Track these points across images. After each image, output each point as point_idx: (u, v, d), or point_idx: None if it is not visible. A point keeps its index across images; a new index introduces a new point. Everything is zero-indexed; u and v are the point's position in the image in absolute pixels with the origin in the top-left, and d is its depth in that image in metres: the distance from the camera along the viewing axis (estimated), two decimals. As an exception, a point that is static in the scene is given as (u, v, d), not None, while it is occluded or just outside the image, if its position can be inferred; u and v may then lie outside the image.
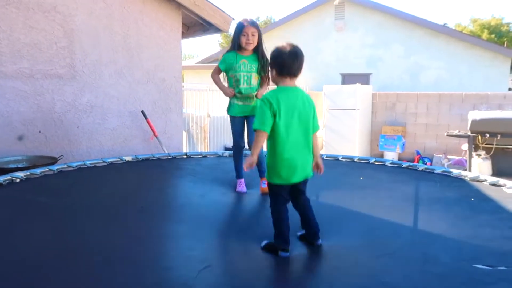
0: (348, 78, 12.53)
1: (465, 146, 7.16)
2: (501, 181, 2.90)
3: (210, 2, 5.16)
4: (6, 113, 4.07)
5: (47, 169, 3.24)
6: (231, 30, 4.15)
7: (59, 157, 4.10)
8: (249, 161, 1.99)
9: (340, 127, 8.55)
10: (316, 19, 13.19)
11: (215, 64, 10.21)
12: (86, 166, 3.51)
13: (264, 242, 2.05)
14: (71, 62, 4.44)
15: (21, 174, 3.03)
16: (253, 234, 2.19)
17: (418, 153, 8.39)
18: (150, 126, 4.99)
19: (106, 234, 2.11)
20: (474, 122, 6.75)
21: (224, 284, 1.67)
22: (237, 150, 3.24)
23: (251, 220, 2.55)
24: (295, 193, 2.09)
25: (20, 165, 3.86)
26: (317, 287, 1.64)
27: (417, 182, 3.23)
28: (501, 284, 1.54)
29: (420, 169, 3.56)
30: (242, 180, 3.19)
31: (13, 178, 2.95)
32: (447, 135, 7.27)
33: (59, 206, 2.53)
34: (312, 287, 1.67)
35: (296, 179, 2.03)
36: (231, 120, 3.24)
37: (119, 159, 3.82)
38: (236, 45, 3.12)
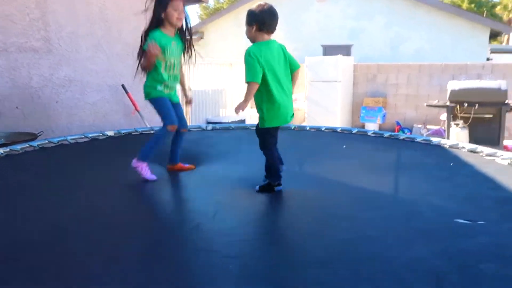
0: (329, 50, 12.48)
1: (443, 116, 7.31)
2: (479, 148, 2.99)
3: (189, -29, 5.00)
4: (-20, 89, 3.93)
5: (27, 145, 3.17)
6: (212, 2, 4.04)
7: (38, 133, 4.00)
8: (243, 106, 2.31)
9: (322, 99, 8.59)
10: (297, -11, 12.96)
11: (195, 37, 10.12)
12: (68, 142, 3.44)
13: (257, 186, 2.41)
14: (45, 35, 4.28)
15: (0, 150, 2.96)
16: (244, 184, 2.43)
17: (398, 123, 8.54)
18: (131, 100, 4.90)
19: (97, 207, 2.11)
20: (453, 92, 6.86)
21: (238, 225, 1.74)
22: (169, 134, 2.73)
23: (241, 176, 2.67)
24: None
25: (-2, 142, 3.76)
26: (305, 241, 1.71)
27: (398, 150, 3.31)
28: (481, 236, 1.64)
29: (401, 138, 3.64)
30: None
31: (-8, 155, 2.88)
32: (427, 106, 7.40)
33: (44, 183, 2.49)
34: (301, 240, 1.73)
35: (289, 118, 2.41)
36: (159, 101, 2.69)
37: (101, 134, 3.76)
38: (161, 21, 2.61)
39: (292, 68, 2.45)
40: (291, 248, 1.68)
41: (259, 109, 2.40)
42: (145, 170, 2.62)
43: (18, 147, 3.11)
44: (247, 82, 2.29)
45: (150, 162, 2.67)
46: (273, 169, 2.39)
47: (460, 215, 1.83)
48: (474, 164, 2.68)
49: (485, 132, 7.02)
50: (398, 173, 2.70)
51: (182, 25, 2.73)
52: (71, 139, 3.52)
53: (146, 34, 2.64)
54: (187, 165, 2.96)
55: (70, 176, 2.65)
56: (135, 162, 2.62)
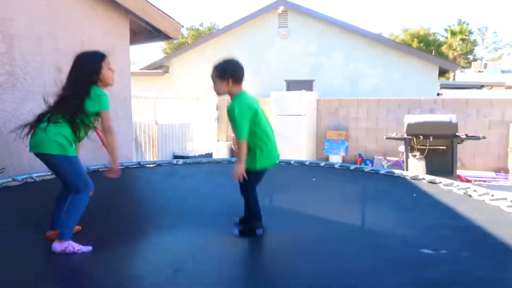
0: (292, 85, 12.92)
1: (402, 148, 7.70)
2: (437, 179, 3.20)
3: (158, 9, 5.14)
4: None
5: (-10, 183, 3.04)
6: (180, 38, 4.15)
7: (0, 170, 3.86)
8: (240, 170, 2.31)
9: (288, 132, 8.81)
10: (260, 26, 13.47)
11: (160, 71, 10.19)
12: (33, 180, 3.34)
13: (235, 231, 2.42)
14: (11, 70, 4.20)
15: (-40, 189, 2.82)
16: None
17: (360, 155, 8.87)
18: (98, 135, 4.82)
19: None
20: (409, 125, 7.28)
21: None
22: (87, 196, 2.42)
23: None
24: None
25: (-45, 180, 3.57)
26: (282, 275, 1.75)
27: (364, 182, 3.46)
28: (443, 265, 1.76)
29: (366, 170, 3.82)
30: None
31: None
32: (386, 138, 7.78)
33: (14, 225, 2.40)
34: (278, 274, 1.78)
35: (277, 159, 2.54)
36: (76, 161, 2.46)
37: (68, 171, 3.66)
38: (97, 81, 2.47)
39: None
40: (271, 281, 1.72)
41: (251, 152, 2.41)
42: (75, 246, 2.23)
43: (-20, 185, 2.98)
44: (239, 139, 2.32)
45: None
46: (257, 213, 2.42)
47: (424, 245, 1.95)
48: (433, 194, 2.87)
49: (440, 163, 7.44)
50: (365, 205, 2.83)
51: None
52: (36, 176, 3.41)
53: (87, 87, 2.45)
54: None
55: (37, 214, 2.57)
56: (58, 246, 2.21)
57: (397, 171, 3.58)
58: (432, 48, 27.15)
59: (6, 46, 4.16)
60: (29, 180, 3.33)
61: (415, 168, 7.37)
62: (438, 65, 12.25)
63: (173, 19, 5.28)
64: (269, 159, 2.45)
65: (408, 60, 12.17)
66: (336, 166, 4.02)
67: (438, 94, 13.29)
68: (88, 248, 2.23)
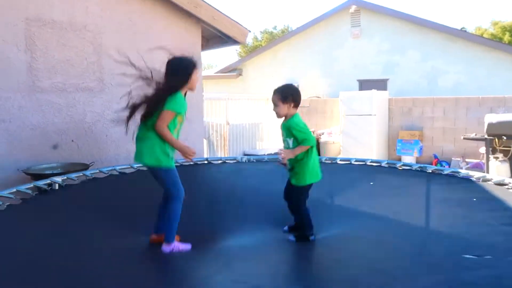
0: (365, 84, 12.63)
1: (483, 149, 7.19)
2: (506, 180, 3.03)
3: (228, 17, 5.46)
4: (43, 124, 4.44)
5: (82, 174, 3.55)
6: (248, 41, 4.38)
7: (90, 163, 4.43)
8: (289, 156, 2.58)
9: (357, 132, 8.69)
10: (332, 26, 13.38)
11: (234, 74, 10.63)
12: (116, 172, 3.81)
13: (291, 237, 2.62)
14: (100, 76, 4.79)
15: (59, 179, 3.34)
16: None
17: (435, 156, 8.43)
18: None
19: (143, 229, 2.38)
20: (490, 125, 6.78)
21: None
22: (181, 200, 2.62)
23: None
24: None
25: (55, 171, 4.19)
26: (319, 274, 1.86)
27: (427, 182, 3.38)
28: (484, 270, 1.72)
29: (429, 170, 3.70)
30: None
31: (53, 182, 3.27)
32: (464, 138, 7.32)
33: (100, 208, 2.81)
34: (315, 271, 1.89)
35: (320, 177, 2.73)
36: (172, 171, 2.64)
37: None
38: (184, 86, 2.67)
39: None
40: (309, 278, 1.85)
41: (303, 168, 2.64)
42: (178, 246, 2.52)
43: (74, 175, 3.49)
44: (310, 145, 2.61)
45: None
46: (309, 223, 2.61)
47: (470, 250, 1.91)
48: (498, 196, 2.73)
49: (527, 166, 6.81)
50: (422, 207, 2.78)
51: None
52: (119, 169, 3.88)
53: (167, 94, 2.62)
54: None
55: (118, 200, 2.96)
56: (167, 248, 2.48)
57: (462, 171, 3.44)
58: (528, 40, 24.53)
59: (97, 56, 4.76)
60: (113, 172, 3.79)
61: (498, 171, 6.83)
62: (530, 60, 11.13)
63: (241, 25, 5.57)
64: (317, 175, 2.69)
65: (495, 55, 11.22)
66: (398, 165, 3.95)
67: (530, 91, 12.07)
68: (188, 246, 2.52)
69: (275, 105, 2.70)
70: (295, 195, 2.69)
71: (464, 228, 2.31)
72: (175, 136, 2.61)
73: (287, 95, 2.67)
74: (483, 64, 11.36)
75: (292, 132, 2.63)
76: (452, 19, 55.70)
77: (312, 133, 2.74)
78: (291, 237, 2.59)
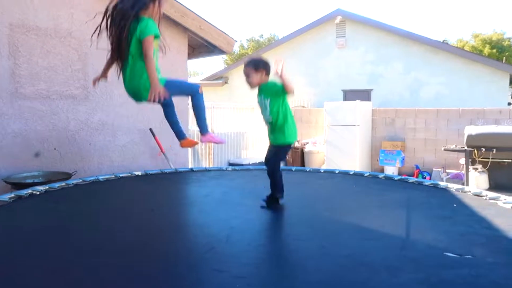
0: (349, 94, 12.83)
1: (463, 160, 7.36)
2: (484, 192, 3.12)
3: (214, 26, 5.49)
4: (24, 132, 4.37)
5: (64, 183, 3.50)
6: (235, 49, 4.42)
7: (72, 172, 4.38)
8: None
9: (341, 142, 8.79)
10: (318, 36, 13.57)
11: (220, 82, 10.73)
12: (99, 181, 3.77)
13: (262, 201, 2.86)
14: (84, 84, 4.76)
15: (40, 187, 3.29)
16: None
17: (417, 167, 8.59)
18: (158, 143, 5.27)
19: (124, 232, 2.38)
20: (470, 136, 6.96)
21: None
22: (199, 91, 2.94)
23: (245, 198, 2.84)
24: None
25: (36, 180, 4.13)
26: (305, 266, 1.90)
27: (406, 191, 3.45)
28: (465, 268, 1.79)
29: (410, 181, 3.79)
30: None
31: (33, 192, 3.22)
32: (445, 150, 7.48)
33: (79, 212, 2.78)
34: (303, 262, 1.94)
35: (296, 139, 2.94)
36: (171, 80, 2.90)
37: (130, 174, 4.08)
38: (145, 12, 2.69)
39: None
40: (294, 270, 1.89)
41: (285, 127, 2.80)
42: (215, 137, 3.13)
43: (56, 185, 3.44)
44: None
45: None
46: (281, 185, 2.84)
47: (451, 249, 1.99)
48: (475, 206, 2.82)
49: (505, 177, 7.00)
50: (400, 210, 2.86)
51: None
52: (103, 178, 3.84)
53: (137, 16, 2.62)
54: (194, 140, 3.38)
55: (101, 205, 2.93)
56: (204, 138, 3.04)
57: (441, 183, 3.52)
58: (507, 53, 25.32)
59: (82, 63, 4.73)
60: (95, 181, 3.75)
61: (477, 181, 7.00)
62: (509, 73, 11.49)
63: (227, 35, 5.62)
64: (294, 135, 2.85)
65: (475, 68, 11.55)
66: (380, 176, 4.03)
67: (509, 104, 12.43)
68: (224, 140, 3.15)
69: (248, 76, 2.82)
70: (273, 156, 2.87)
71: (446, 228, 2.39)
72: (157, 61, 2.68)
73: (259, 64, 2.80)
74: (464, 76, 11.68)
75: (274, 89, 2.74)
76: (435, 31, 57.13)
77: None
78: (262, 202, 2.83)
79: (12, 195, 3.04)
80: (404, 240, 2.23)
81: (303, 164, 9.36)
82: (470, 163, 7.05)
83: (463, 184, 6.72)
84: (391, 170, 8.57)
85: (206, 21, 5.41)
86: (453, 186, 3.41)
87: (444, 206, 2.91)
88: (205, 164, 7.80)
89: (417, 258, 1.92)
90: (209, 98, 11.28)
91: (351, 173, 4.21)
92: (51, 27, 4.48)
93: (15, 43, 4.26)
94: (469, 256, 1.91)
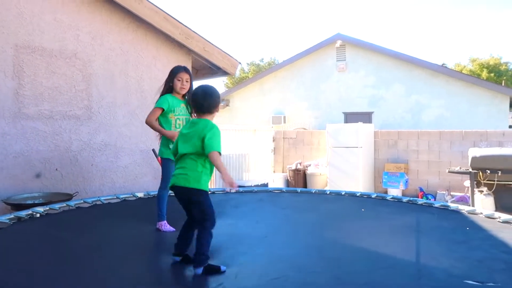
0: (350, 117, 12.85)
1: (467, 183, 7.27)
2: (496, 214, 3.04)
3: (218, 48, 5.53)
4: (26, 152, 4.31)
5: (65, 205, 3.42)
6: (238, 72, 4.43)
7: (74, 193, 4.30)
8: (232, 180, 2.22)
9: (343, 164, 8.72)
10: (318, 60, 13.72)
11: (222, 104, 10.76)
12: (101, 202, 3.69)
13: (199, 270, 2.18)
14: (88, 104, 4.74)
15: (41, 209, 3.21)
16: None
17: (421, 189, 8.49)
18: (160, 164, 5.19)
19: (128, 265, 2.27)
20: (474, 159, 6.90)
21: None
22: (166, 192, 3.15)
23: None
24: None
25: (37, 201, 4.04)
26: None
27: (416, 214, 3.37)
28: None
29: (419, 203, 3.71)
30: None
31: (34, 213, 3.13)
32: (449, 172, 7.41)
33: (79, 241, 2.69)
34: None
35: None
36: (166, 163, 3.19)
37: (131, 195, 4.00)
38: (170, 89, 3.25)
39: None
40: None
41: (205, 175, 2.35)
42: (164, 226, 3.12)
43: (57, 206, 3.36)
44: (220, 153, 2.30)
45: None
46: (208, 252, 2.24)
47: (471, 276, 1.89)
48: (489, 229, 2.73)
49: (511, 199, 6.90)
50: (413, 235, 2.77)
51: (187, 92, 3.27)
52: (104, 200, 3.76)
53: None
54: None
55: (100, 234, 2.84)
56: (157, 224, 3.13)
57: (452, 205, 3.45)
58: (504, 78, 25.57)
59: (86, 84, 4.73)
60: (97, 202, 3.67)
61: (483, 204, 6.89)
62: (509, 96, 11.55)
63: (231, 57, 5.64)
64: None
65: (475, 91, 11.63)
66: (388, 198, 3.95)
67: (510, 127, 12.45)
68: (171, 229, 3.02)
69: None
70: (204, 208, 2.28)
71: (462, 253, 2.29)
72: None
73: (214, 105, 2.52)
74: (464, 99, 11.74)
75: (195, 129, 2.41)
76: (433, 55, 57.89)
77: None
78: (199, 270, 2.18)
79: (12, 216, 2.95)
80: (420, 267, 2.12)
81: (305, 186, 9.26)
82: (475, 186, 6.96)
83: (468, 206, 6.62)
84: (394, 192, 8.46)
85: (210, 43, 5.44)
86: (464, 208, 3.33)
87: (457, 230, 2.82)
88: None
89: (437, 287, 1.83)
90: (213, 120, 11.31)
91: (357, 194, 4.13)
92: (56, 48, 4.49)
93: (20, 64, 4.26)
94: (491, 284, 1.82)
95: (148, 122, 3.19)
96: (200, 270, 2.18)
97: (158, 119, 3.20)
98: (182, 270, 2.27)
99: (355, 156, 8.59)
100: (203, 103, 2.44)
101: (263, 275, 2.14)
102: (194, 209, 2.34)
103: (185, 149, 2.35)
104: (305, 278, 2.09)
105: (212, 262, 2.32)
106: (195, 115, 2.61)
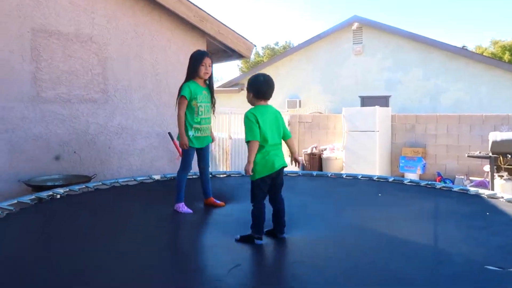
0: (367, 101, 12.67)
1: (487, 167, 7.13)
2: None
3: (233, 30, 5.47)
4: (45, 135, 4.38)
5: (84, 186, 3.48)
6: (253, 56, 4.38)
7: (92, 175, 4.36)
8: (250, 167, 2.47)
9: (360, 148, 8.64)
10: (334, 43, 13.49)
11: (236, 88, 10.76)
12: (119, 184, 3.74)
13: (238, 236, 2.47)
14: (104, 88, 4.77)
15: (61, 190, 3.27)
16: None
17: (439, 174, 8.36)
18: (176, 147, 5.22)
19: (148, 244, 2.31)
20: (495, 143, 6.74)
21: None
22: (186, 175, 3.27)
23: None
24: (274, 189, 2.59)
25: (57, 183, 4.12)
26: (334, 280, 1.79)
27: (434, 198, 3.32)
28: (510, 283, 1.65)
29: (438, 187, 3.65)
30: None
31: (54, 194, 3.20)
32: (468, 156, 7.27)
33: (99, 220, 2.74)
34: (332, 279, 1.83)
35: (273, 170, 2.51)
36: (187, 149, 3.22)
37: (148, 178, 4.04)
38: (194, 75, 3.21)
39: (284, 137, 2.69)
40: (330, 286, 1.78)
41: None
42: (182, 208, 3.15)
43: (76, 187, 3.42)
44: (247, 142, 2.50)
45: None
46: (257, 222, 2.47)
47: (491, 262, 1.85)
48: (510, 214, 2.67)
49: (532, 184, 6.74)
50: (431, 221, 2.72)
51: (209, 78, 3.30)
52: (122, 182, 3.81)
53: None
54: (218, 202, 3.36)
55: (119, 214, 2.88)
56: (175, 206, 3.18)
57: (472, 189, 3.38)
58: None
59: (102, 67, 4.75)
60: (115, 184, 3.72)
61: (502, 189, 6.76)
62: (531, 78, 11.19)
63: (246, 39, 5.58)
64: (265, 169, 2.50)
65: (496, 74, 11.29)
66: (405, 182, 3.89)
67: (532, 110, 12.09)
68: (189, 210, 3.11)
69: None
70: (281, 187, 2.63)
71: (483, 239, 2.24)
72: (199, 119, 3.21)
73: (249, 85, 2.66)
74: (484, 82, 11.42)
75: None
76: (453, 38, 56.24)
77: (255, 125, 2.49)
78: (237, 236, 2.46)
79: (33, 197, 3.02)
80: (439, 253, 2.09)
81: (320, 171, 9.22)
82: (495, 170, 6.82)
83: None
84: (412, 176, 8.34)
85: (225, 25, 5.39)
86: (484, 192, 3.26)
87: (477, 215, 2.76)
88: (223, 168, 7.75)
89: (456, 273, 1.79)
90: (226, 104, 11.28)
91: (374, 178, 4.08)
92: (72, 31, 4.51)
93: (37, 48, 4.29)
94: (512, 270, 1.78)
95: (179, 116, 3.16)
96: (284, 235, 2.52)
97: None
98: (199, 250, 2.29)
99: (372, 140, 8.49)
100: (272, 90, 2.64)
101: (281, 260, 2.14)
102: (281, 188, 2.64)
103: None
104: (320, 263, 2.08)
105: (230, 240, 2.41)
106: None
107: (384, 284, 1.71)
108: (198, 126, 3.22)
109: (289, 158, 2.72)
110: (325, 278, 1.86)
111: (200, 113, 3.20)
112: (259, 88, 2.60)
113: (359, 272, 1.88)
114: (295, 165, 2.82)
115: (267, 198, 2.59)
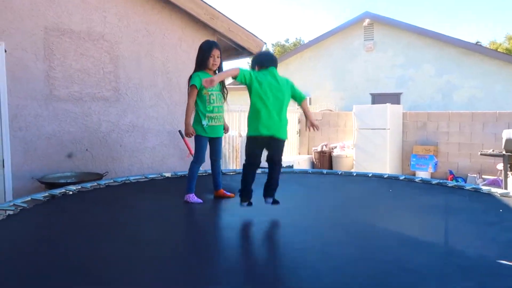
0: (378, 98, 12.56)
1: (500, 166, 7.03)
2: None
3: (243, 28, 5.47)
4: (58, 133, 4.45)
5: (96, 184, 3.52)
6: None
7: (104, 173, 4.42)
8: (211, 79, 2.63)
9: (370, 146, 8.58)
10: (345, 40, 13.39)
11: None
12: (130, 181, 3.78)
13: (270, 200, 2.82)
14: (116, 86, 4.81)
15: (73, 187, 3.32)
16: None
17: (451, 172, 8.27)
18: (187, 145, 5.25)
19: (158, 238, 2.33)
20: (508, 141, 6.63)
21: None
22: (198, 166, 3.31)
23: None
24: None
25: (69, 181, 4.19)
26: (349, 268, 1.81)
27: (446, 196, 3.29)
28: None
29: (449, 185, 3.61)
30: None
31: (67, 191, 3.25)
32: (481, 154, 7.17)
33: (112, 215, 2.77)
34: (346, 265, 1.87)
35: (272, 132, 2.72)
36: (198, 140, 3.27)
37: (159, 175, 4.08)
38: (202, 66, 3.25)
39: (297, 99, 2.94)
40: (336, 274, 1.78)
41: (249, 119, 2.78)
42: (192, 198, 3.20)
43: (88, 185, 3.47)
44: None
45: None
46: (244, 188, 2.76)
47: (504, 257, 1.84)
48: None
49: (547, 183, 6.63)
50: (442, 216, 2.71)
51: (219, 68, 3.33)
52: (133, 179, 3.85)
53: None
54: (228, 193, 3.42)
55: (131, 208, 2.92)
56: (185, 197, 3.23)
57: (484, 187, 3.34)
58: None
59: (113, 66, 4.79)
60: (126, 182, 3.76)
61: (516, 188, 6.67)
62: (547, 75, 10.97)
63: (256, 37, 5.57)
64: (255, 129, 2.70)
65: (510, 70, 11.09)
66: (416, 180, 3.86)
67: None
68: (199, 200, 3.17)
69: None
70: (281, 153, 2.89)
71: (494, 234, 2.23)
72: (211, 107, 3.24)
73: (252, 61, 2.93)
74: (499, 79, 11.23)
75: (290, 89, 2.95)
76: (466, 33, 55.34)
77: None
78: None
79: (46, 194, 3.07)
80: (450, 246, 2.09)
81: (331, 169, 9.19)
82: (508, 169, 6.72)
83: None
84: (423, 175, 8.27)
85: (236, 23, 5.39)
86: (496, 191, 3.23)
87: (489, 212, 2.74)
88: (233, 166, 7.77)
89: (467, 265, 1.79)
90: (236, 101, 11.29)
91: (385, 176, 4.06)
92: (84, 30, 4.56)
93: (50, 46, 4.35)
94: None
95: (188, 105, 3.21)
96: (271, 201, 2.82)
97: None
98: (210, 236, 2.30)
99: (383, 138, 8.43)
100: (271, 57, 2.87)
101: (290, 242, 2.18)
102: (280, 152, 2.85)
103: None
104: (328, 250, 2.10)
105: (239, 233, 2.49)
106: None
107: (396, 274, 1.72)
108: (211, 114, 3.24)
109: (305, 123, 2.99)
110: (333, 266, 1.87)
111: (212, 101, 3.23)
112: (258, 58, 2.84)
113: (368, 262, 1.89)
114: (313, 129, 3.02)
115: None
